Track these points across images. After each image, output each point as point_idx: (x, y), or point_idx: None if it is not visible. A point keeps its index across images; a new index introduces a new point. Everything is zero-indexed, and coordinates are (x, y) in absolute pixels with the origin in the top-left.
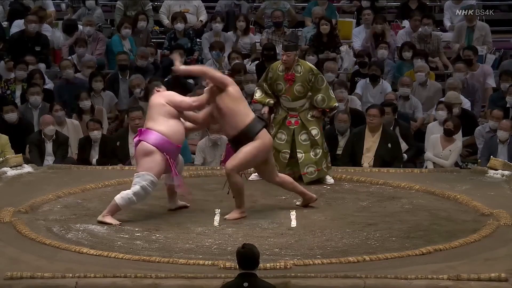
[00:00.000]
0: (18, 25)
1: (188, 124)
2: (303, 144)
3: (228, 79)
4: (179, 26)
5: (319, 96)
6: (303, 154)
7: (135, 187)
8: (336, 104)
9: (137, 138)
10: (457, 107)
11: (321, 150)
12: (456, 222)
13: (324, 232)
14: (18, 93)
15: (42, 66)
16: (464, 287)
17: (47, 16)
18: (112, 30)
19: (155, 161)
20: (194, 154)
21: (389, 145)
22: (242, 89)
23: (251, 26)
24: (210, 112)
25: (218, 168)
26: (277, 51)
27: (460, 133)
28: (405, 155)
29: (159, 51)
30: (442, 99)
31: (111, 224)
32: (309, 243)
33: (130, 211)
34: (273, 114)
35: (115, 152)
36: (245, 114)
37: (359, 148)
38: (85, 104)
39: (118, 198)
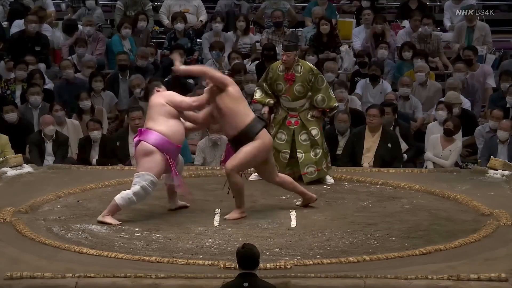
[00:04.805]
0: (18, 25)
1: (188, 124)
2: (303, 144)
3: (228, 79)
4: (179, 26)
5: (319, 96)
6: (303, 154)
7: (135, 187)
8: (336, 104)
9: (137, 138)
10: (457, 107)
11: (321, 150)
12: (456, 222)
13: (324, 232)
14: (18, 93)
15: (42, 66)
16: (464, 287)
17: (47, 16)
18: (112, 30)
19: (155, 161)
20: (194, 154)
21: (389, 145)
22: (242, 89)
23: (251, 26)
24: (210, 112)
25: (218, 168)
26: (277, 51)
27: (460, 133)
28: (405, 155)
29: (159, 51)
30: (442, 99)
31: (111, 224)
32: (309, 243)
33: (130, 211)
34: (273, 114)
35: (115, 152)
36: (245, 114)
37: (359, 148)
38: (85, 104)
39: (118, 198)
